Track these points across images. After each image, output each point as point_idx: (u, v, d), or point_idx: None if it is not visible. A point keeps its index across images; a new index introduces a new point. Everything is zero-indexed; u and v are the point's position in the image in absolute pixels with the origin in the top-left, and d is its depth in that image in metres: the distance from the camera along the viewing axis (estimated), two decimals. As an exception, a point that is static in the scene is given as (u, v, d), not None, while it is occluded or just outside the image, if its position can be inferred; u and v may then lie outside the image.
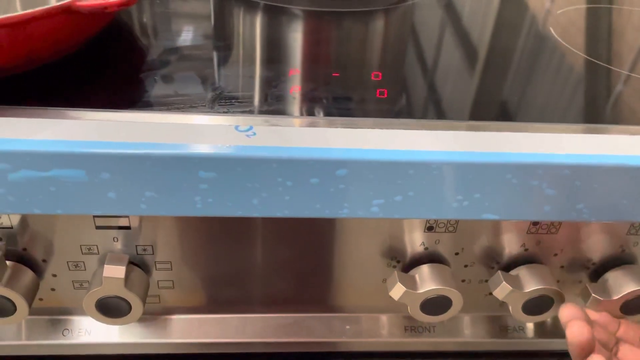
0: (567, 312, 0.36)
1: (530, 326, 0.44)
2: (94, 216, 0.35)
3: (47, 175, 0.29)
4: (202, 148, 0.29)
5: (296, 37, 0.47)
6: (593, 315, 0.38)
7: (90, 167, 0.29)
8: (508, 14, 0.54)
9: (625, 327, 0.39)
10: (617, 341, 0.38)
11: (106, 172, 0.29)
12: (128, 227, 0.35)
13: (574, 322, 0.35)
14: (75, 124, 0.30)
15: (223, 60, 0.41)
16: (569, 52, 0.46)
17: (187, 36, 0.44)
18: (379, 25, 0.51)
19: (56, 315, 0.40)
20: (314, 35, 0.48)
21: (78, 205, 0.30)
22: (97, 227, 0.35)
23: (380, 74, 0.40)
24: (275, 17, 0.49)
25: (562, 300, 0.38)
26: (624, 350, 0.37)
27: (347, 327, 0.42)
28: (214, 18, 0.49)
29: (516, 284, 0.37)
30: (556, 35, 0.48)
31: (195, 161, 0.29)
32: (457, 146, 0.31)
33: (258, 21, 0.49)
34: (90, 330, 0.40)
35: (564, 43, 0.47)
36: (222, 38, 0.45)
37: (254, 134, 0.31)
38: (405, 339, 0.42)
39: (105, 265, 0.34)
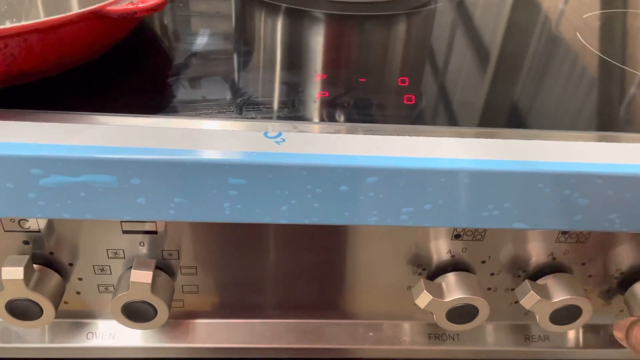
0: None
1: (555, 335, 0.43)
2: (122, 221, 0.35)
3: (78, 181, 0.29)
4: (232, 154, 0.29)
5: (320, 41, 0.47)
6: None
7: (121, 173, 0.29)
8: (529, 17, 0.53)
9: None
10: None
11: (136, 178, 0.29)
12: (155, 232, 0.35)
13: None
14: (106, 130, 0.30)
15: (248, 65, 0.41)
16: (600, 59, 0.45)
17: (211, 40, 0.44)
18: (401, 29, 0.51)
19: (81, 318, 0.40)
20: (337, 39, 0.47)
21: (108, 210, 0.30)
22: (124, 232, 0.35)
23: (406, 79, 0.40)
24: (298, 21, 0.49)
25: (590, 310, 0.38)
26: None
27: (370, 334, 0.42)
28: (236, 22, 0.49)
29: (544, 293, 0.37)
30: (584, 41, 0.48)
31: (225, 167, 0.29)
32: (489, 154, 0.30)
33: (281, 25, 0.49)
34: (115, 333, 0.40)
35: (593, 50, 0.46)
36: (246, 42, 0.45)
37: (283, 140, 0.30)
38: (429, 346, 0.42)
39: (132, 270, 0.34)
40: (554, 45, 0.47)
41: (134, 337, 0.41)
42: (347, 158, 0.30)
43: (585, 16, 0.55)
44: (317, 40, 0.47)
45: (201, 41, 0.44)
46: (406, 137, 0.31)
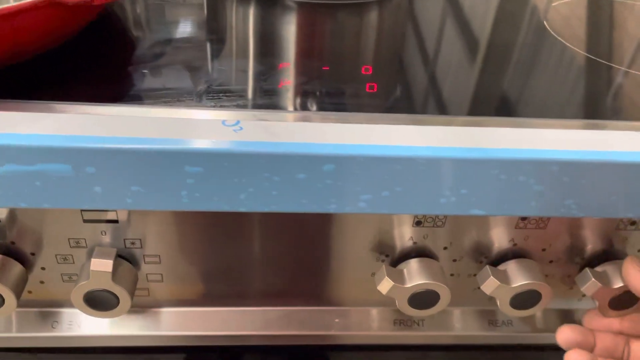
0: (565, 337, 0.37)
1: (519, 320, 0.44)
2: (82, 210, 0.35)
3: (33, 170, 0.29)
4: (188, 143, 0.29)
5: (288, 30, 0.47)
6: (592, 324, 0.39)
7: (75, 162, 0.29)
8: (506, 6, 0.54)
9: (630, 322, 0.39)
10: (627, 341, 0.38)
11: (91, 167, 0.29)
12: (116, 221, 0.35)
13: (572, 353, 0.36)
14: (61, 118, 0.30)
15: (213, 54, 0.41)
16: (563, 46, 0.45)
17: (177, 28, 0.44)
18: (371, 18, 0.51)
19: (45, 307, 0.40)
20: (306, 28, 0.47)
21: (64, 199, 0.30)
22: (85, 221, 0.35)
23: (370, 67, 0.40)
24: (268, 9, 0.49)
25: (549, 295, 0.38)
26: (636, 347, 0.37)
27: (336, 320, 0.42)
28: (205, 10, 0.49)
29: (504, 278, 0.37)
30: (550, 29, 0.48)
31: (181, 156, 0.29)
32: (444, 142, 0.31)
33: (250, 13, 0.49)
34: (80, 322, 0.40)
35: (558, 37, 0.47)
36: (213, 31, 0.45)
37: (241, 128, 0.30)
38: (395, 332, 0.43)
39: (92, 259, 0.34)
40: (519, 31, 0.47)
41: (100, 325, 0.41)
42: (304, 146, 0.30)
43: (555, 4, 0.55)
44: (285, 29, 0.47)
45: (167, 29, 0.44)
46: (364, 125, 0.32)
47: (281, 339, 0.42)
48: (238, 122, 0.31)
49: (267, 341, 0.42)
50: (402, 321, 0.43)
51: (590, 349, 0.37)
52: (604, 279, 0.38)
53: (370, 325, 0.42)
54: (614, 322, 0.39)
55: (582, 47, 0.46)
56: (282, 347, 0.42)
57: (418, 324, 0.43)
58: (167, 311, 0.41)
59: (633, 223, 0.38)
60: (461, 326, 0.43)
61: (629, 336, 0.38)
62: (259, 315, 0.42)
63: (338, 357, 0.45)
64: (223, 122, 0.31)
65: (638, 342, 0.38)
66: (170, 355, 0.43)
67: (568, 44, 0.46)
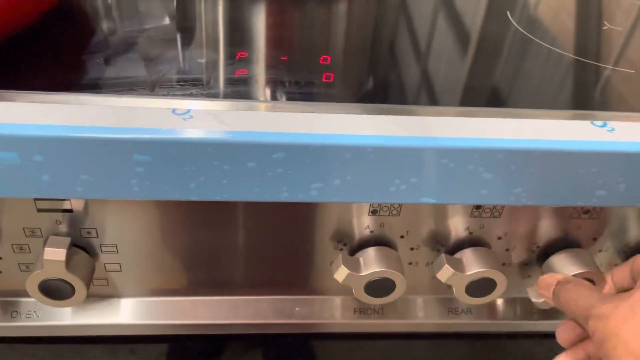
0: (562, 338, 0.36)
1: (479, 308, 0.44)
2: (35, 199, 0.34)
3: (-21, 158, 0.29)
4: (137, 131, 0.29)
5: (251, 20, 0.47)
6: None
7: (22, 150, 0.29)
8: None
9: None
10: None
11: (39, 155, 0.29)
12: (70, 210, 0.35)
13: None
14: (8, 106, 0.30)
15: (170, 43, 0.41)
16: (517, 31, 0.46)
17: (137, 18, 0.44)
18: (337, 9, 0.51)
19: (4, 297, 0.40)
20: (269, 18, 0.47)
21: (13, 188, 0.30)
22: (39, 210, 0.35)
23: (329, 57, 0.40)
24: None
25: (504, 282, 0.39)
26: None
27: (297, 309, 0.43)
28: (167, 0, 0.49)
29: (458, 266, 0.38)
30: (511, 18, 0.48)
31: (129, 144, 0.29)
32: (393, 130, 0.31)
33: (219, 3, 0.49)
34: (39, 312, 0.40)
35: (517, 25, 0.47)
36: (177, 20, 0.45)
37: (191, 117, 0.31)
38: (355, 320, 0.43)
39: (45, 248, 0.34)
40: (481, 18, 0.48)
41: (60, 315, 0.41)
42: (253, 134, 0.30)
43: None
44: (248, 19, 0.47)
45: (127, 19, 0.44)
46: (314, 114, 0.32)
47: (240, 327, 0.42)
48: (189, 110, 0.31)
49: (228, 330, 0.42)
50: (362, 310, 0.43)
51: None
52: (560, 268, 0.39)
53: (330, 314, 0.43)
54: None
55: (552, 39, 0.46)
56: (241, 336, 0.43)
57: (378, 313, 0.43)
58: (126, 301, 0.41)
59: (587, 212, 0.39)
60: (421, 314, 0.43)
61: None
62: (219, 305, 0.42)
63: (322, 346, 0.46)
64: (174, 110, 0.31)
65: None
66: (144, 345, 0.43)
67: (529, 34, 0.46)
